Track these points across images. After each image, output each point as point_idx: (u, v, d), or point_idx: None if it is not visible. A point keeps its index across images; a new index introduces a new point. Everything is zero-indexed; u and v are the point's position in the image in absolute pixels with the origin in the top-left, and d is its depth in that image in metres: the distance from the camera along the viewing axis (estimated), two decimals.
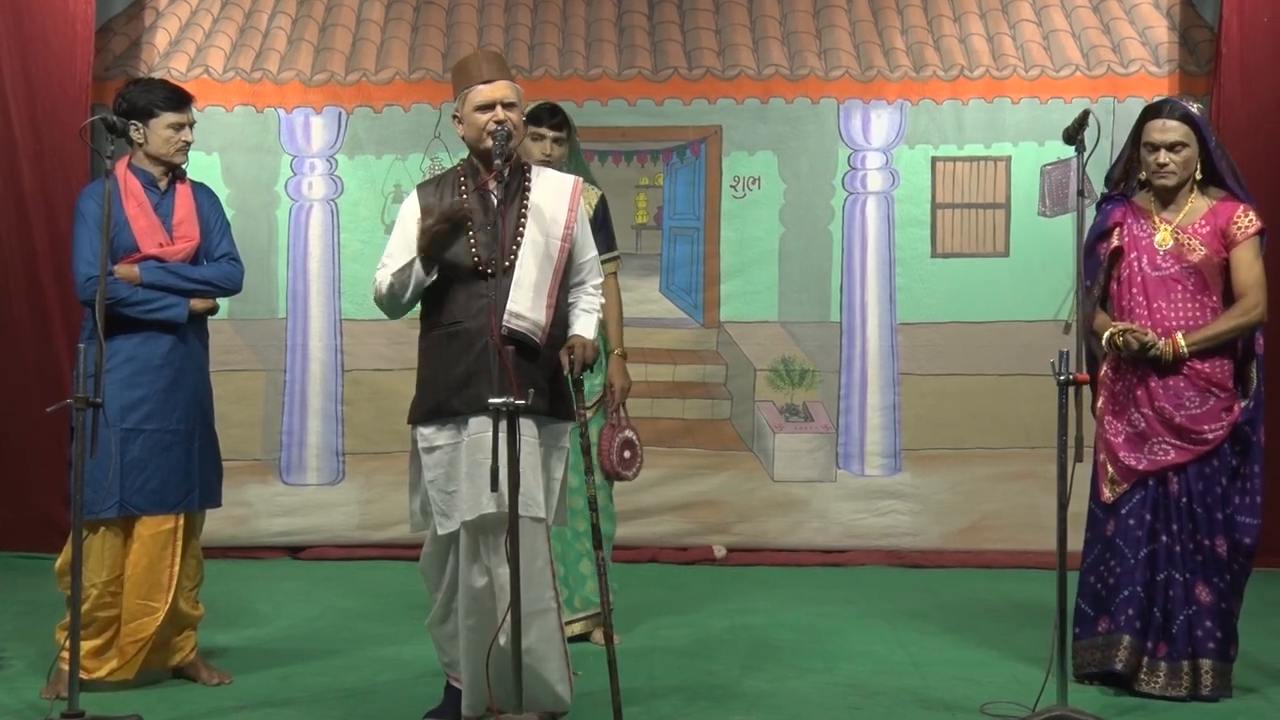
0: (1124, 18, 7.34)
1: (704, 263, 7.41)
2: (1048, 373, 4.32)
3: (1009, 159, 7.33)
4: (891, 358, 7.35)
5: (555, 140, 5.30)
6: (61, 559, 4.71)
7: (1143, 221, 4.81)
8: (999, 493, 7.26)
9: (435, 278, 4.10)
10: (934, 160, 7.36)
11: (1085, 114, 4.38)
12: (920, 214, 7.36)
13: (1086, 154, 4.37)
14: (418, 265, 4.08)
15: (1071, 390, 4.28)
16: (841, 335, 7.37)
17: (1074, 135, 4.38)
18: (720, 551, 7.30)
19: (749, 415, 7.39)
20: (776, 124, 7.38)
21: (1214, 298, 4.74)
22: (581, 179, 4.40)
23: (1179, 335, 4.68)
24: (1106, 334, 4.73)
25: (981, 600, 6.37)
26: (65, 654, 4.38)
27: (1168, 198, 4.80)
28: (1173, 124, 4.70)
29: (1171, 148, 4.70)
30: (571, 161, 5.42)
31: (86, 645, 4.59)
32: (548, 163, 5.08)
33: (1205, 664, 4.66)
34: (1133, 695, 4.69)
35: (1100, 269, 4.84)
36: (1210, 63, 7.17)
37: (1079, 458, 4.28)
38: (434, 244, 4.06)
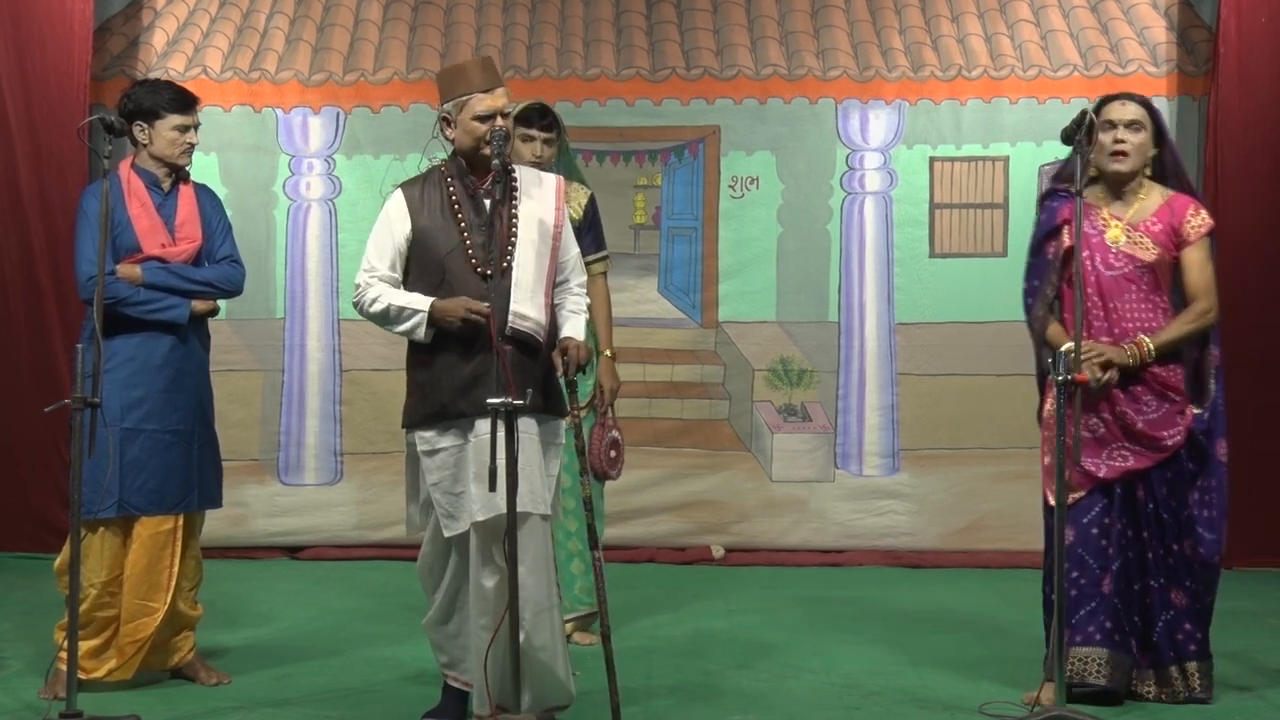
0: (1122, 18, 7.34)
1: (702, 263, 7.41)
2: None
3: (1007, 159, 7.33)
4: (889, 358, 7.35)
5: (545, 141, 5.29)
6: (60, 559, 4.70)
7: (1092, 217, 4.67)
8: (997, 493, 7.25)
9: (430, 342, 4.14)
10: (932, 160, 7.36)
11: (1083, 114, 4.36)
12: (918, 214, 7.36)
13: (1084, 154, 4.36)
14: (423, 327, 4.11)
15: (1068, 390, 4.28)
16: (840, 335, 7.37)
17: (1072, 135, 4.36)
18: (718, 551, 7.30)
19: (747, 415, 7.38)
20: (774, 124, 7.38)
21: (1164, 298, 4.64)
22: (563, 178, 4.42)
23: (1143, 338, 4.57)
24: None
25: (979, 600, 6.38)
26: (63, 654, 4.37)
27: (1118, 189, 4.69)
28: (1132, 104, 4.66)
29: (1130, 125, 4.63)
30: (561, 161, 5.42)
31: (85, 645, 4.58)
32: (538, 164, 5.08)
33: (1191, 666, 4.60)
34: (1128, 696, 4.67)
35: (1051, 269, 4.68)
36: (1208, 63, 7.17)
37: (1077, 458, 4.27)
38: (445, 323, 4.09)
